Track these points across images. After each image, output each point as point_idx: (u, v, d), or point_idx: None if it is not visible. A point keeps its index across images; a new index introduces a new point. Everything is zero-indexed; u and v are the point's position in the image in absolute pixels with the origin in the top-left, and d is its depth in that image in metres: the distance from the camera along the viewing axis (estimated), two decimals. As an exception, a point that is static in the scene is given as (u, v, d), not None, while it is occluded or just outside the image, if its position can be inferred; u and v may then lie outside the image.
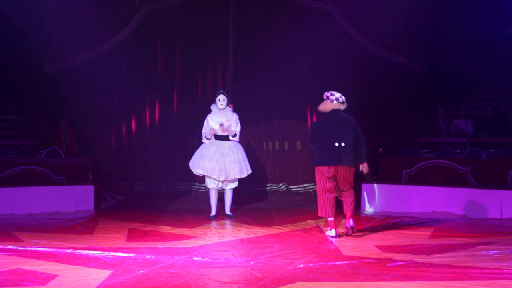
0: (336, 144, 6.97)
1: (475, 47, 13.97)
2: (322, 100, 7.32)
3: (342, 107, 7.25)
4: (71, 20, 11.01)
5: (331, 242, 6.68)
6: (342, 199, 7.17)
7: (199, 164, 8.42)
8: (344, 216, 7.25)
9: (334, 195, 7.07)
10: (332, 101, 7.24)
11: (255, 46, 11.51)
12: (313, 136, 7.27)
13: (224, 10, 11.35)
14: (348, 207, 7.08)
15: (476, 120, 11.87)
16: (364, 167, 7.30)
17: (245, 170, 8.45)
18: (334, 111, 7.20)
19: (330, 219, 7.08)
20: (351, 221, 7.05)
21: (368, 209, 9.09)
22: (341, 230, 7.23)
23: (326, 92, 7.35)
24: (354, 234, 7.14)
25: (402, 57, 11.55)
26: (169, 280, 5.06)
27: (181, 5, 11.32)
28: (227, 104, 8.60)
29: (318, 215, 7.23)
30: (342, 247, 6.43)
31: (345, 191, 7.12)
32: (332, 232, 7.07)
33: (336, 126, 7.07)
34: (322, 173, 7.01)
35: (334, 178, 7.01)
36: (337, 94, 7.27)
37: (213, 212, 8.55)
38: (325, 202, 7.03)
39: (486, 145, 11.24)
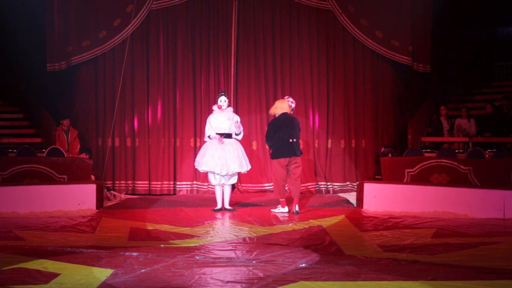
0: (290, 140, 8.76)
1: (478, 46, 13.96)
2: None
3: (291, 111, 8.98)
4: (74, 18, 11.03)
5: (334, 242, 6.66)
6: (289, 187, 8.91)
7: (202, 162, 8.86)
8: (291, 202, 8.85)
9: (285, 181, 8.89)
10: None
11: (257, 46, 11.50)
12: (270, 134, 8.87)
13: (227, 9, 11.36)
14: (295, 194, 8.80)
15: (479, 120, 11.84)
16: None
17: (245, 165, 8.97)
18: (284, 114, 8.89)
19: (283, 199, 8.82)
20: (297, 206, 8.75)
21: (370, 208, 9.07)
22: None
23: (283, 98, 9.16)
24: (356, 233, 7.21)
25: (405, 56, 11.57)
26: (171, 279, 5.06)
27: (184, 4, 11.33)
28: (228, 105, 9.10)
29: (274, 197, 8.97)
30: (345, 246, 6.41)
31: (293, 179, 8.81)
32: (285, 209, 8.81)
33: (288, 126, 8.80)
34: (281, 164, 8.78)
35: (287, 168, 8.79)
36: (291, 99, 9.10)
37: (219, 206, 9.02)
38: (281, 187, 8.83)
39: (489, 145, 11.22)
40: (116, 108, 11.07)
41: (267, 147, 11.55)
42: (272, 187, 11.36)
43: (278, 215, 8.68)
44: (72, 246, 6.37)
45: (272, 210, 8.95)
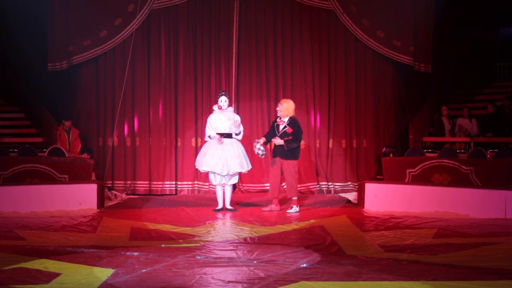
0: None
1: (480, 46, 13.94)
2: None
3: None
4: (74, 18, 11.03)
5: (335, 242, 6.65)
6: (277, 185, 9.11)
7: (202, 162, 8.88)
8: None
9: None
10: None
11: (259, 45, 11.49)
12: (300, 136, 8.99)
13: (228, 8, 11.35)
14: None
15: (480, 120, 11.83)
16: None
17: (246, 165, 8.96)
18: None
19: (296, 198, 8.90)
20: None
21: (372, 208, 9.07)
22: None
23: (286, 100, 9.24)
24: (357, 233, 7.24)
25: (406, 56, 11.56)
26: (172, 279, 5.05)
27: (185, 3, 11.33)
28: (228, 105, 9.11)
29: (292, 196, 8.88)
30: (346, 246, 6.41)
31: None
32: (298, 208, 8.90)
33: None
34: (297, 164, 9.04)
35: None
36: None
37: (220, 205, 9.03)
38: (296, 186, 9.00)
39: (490, 145, 11.21)
40: (119, 107, 11.04)
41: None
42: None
43: (294, 215, 8.67)
44: (73, 245, 6.37)
45: (287, 211, 8.83)
